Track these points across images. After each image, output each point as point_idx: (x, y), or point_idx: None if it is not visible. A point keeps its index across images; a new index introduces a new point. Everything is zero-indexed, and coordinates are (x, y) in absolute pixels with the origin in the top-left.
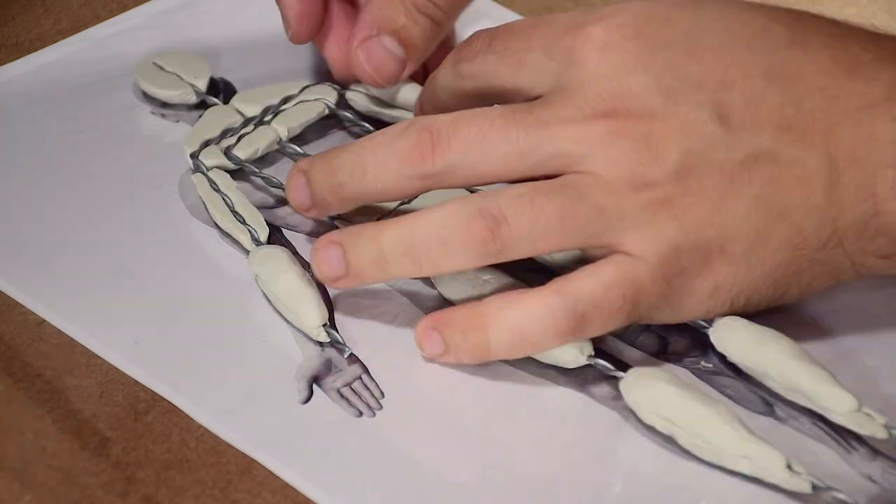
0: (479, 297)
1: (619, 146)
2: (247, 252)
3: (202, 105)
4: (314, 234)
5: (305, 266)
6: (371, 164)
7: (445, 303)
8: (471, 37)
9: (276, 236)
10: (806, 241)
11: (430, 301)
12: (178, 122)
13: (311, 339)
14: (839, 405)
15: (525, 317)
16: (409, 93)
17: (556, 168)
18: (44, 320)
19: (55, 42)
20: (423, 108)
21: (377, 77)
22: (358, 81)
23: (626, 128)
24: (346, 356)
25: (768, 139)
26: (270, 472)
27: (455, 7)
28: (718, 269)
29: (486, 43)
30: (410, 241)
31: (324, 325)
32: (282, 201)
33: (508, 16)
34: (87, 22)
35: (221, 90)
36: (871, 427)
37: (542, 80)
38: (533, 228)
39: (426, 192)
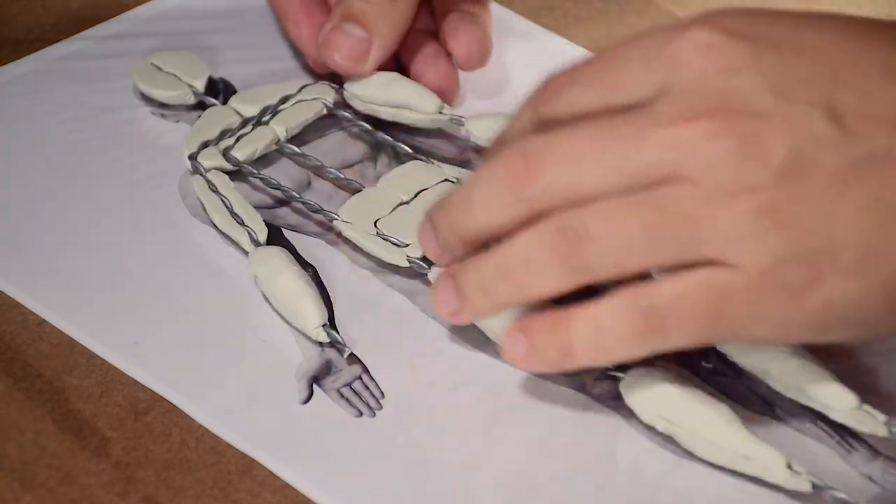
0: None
1: (719, 148)
2: (247, 252)
3: (201, 105)
4: (315, 235)
5: (305, 266)
6: (476, 197)
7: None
8: (544, 80)
9: (276, 236)
10: None
11: (430, 301)
12: (178, 122)
13: (311, 339)
14: (839, 402)
15: (603, 311)
16: (404, 90)
17: (654, 177)
18: (44, 320)
19: (55, 42)
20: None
21: (347, 62)
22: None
23: (729, 128)
24: (345, 356)
25: (884, 139)
26: (270, 472)
27: None
28: (830, 281)
29: (570, 78)
30: (505, 265)
31: (323, 326)
32: (280, 201)
33: (509, 16)
34: (87, 22)
35: (221, 90)
36: (871, 425)
37: (642, 93)
38: (616, 243)
39: (529, 219)
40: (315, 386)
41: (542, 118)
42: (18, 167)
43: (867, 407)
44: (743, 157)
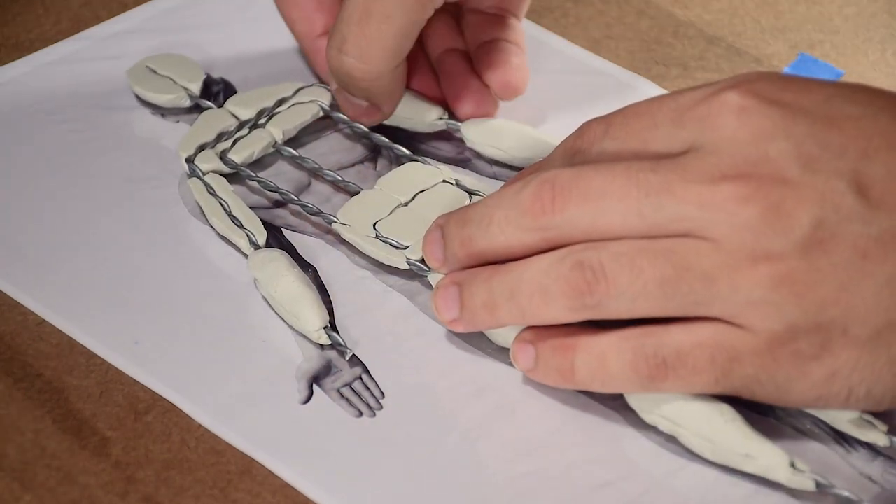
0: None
1: (745, 212)
2: (246, 254)
3: (197, 108)
4: (315, 235)
5: (305, 267)
6: (496, 216)
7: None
8: (580, 128)
9: (276, 237)
10: None
11: (430, 301)
12: (177, 122)
13: (311, 340)
14: (840, 412)
15: (609, 347)
16: (403, 100)
17: (676, 230)
18: (44, 320)
19: (55, 42)
20: None
21: (360, 120)
22: None
23: (756, 194)
24: (347, 358)
25: None
26: (270, 472)
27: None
28: (838, 353)
29: (602, 130)
30: (516, 286)
31: (324, 328)
32: (278, 203)
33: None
34: (87, 22)
35: (221, 91)
36: (872, 435)
37: (672, 149)
38: (630, 289)
39: (548, 247)
40: (315, 386)
41: (575, 166)
42: (18, 167)
43: (868, 416)
44: (767, 224)
